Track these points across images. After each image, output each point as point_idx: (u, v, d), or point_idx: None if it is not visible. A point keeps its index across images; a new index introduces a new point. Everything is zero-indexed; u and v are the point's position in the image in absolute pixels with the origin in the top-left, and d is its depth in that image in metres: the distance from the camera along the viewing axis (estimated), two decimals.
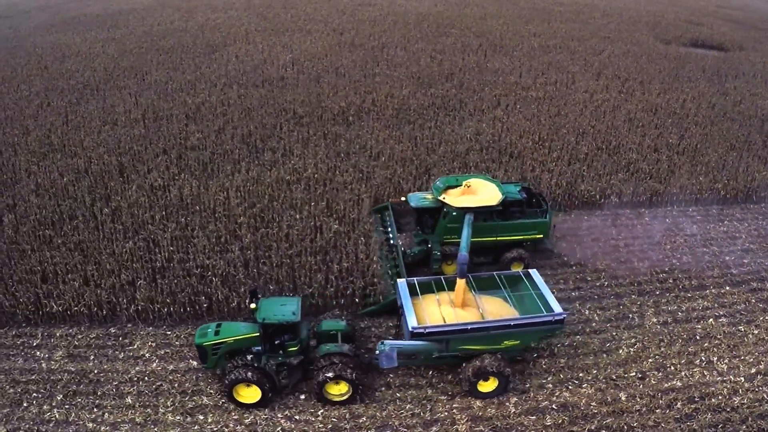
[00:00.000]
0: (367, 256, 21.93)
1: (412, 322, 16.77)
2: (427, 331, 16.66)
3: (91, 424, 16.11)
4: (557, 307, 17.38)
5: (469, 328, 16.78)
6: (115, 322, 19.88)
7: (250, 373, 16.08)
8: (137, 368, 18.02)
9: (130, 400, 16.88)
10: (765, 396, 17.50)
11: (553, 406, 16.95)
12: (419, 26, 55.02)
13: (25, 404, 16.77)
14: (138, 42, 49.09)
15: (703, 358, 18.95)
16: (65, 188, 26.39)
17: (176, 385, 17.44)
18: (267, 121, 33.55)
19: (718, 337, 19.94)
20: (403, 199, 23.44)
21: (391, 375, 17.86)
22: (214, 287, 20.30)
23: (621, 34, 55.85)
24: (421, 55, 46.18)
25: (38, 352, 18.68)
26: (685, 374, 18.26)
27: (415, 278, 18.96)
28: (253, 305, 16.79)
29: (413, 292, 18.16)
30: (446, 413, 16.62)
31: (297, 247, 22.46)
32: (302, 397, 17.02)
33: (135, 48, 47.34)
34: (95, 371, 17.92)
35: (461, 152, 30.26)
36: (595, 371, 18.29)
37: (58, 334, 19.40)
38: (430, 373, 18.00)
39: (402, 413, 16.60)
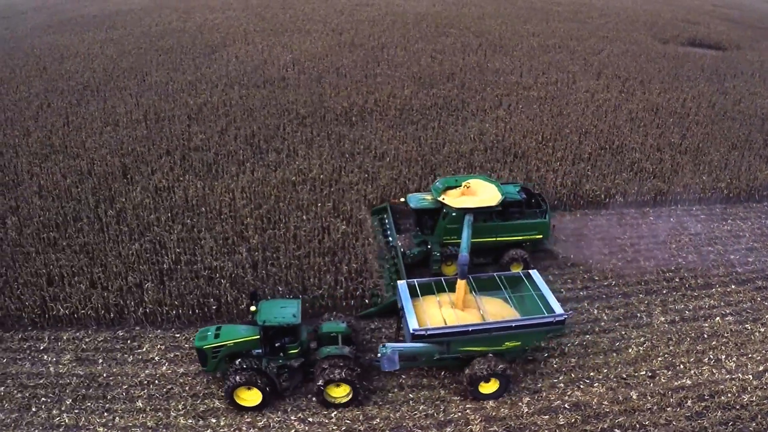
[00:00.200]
0: (375, 257, 21.87)
1: (413, 324, 16.68)
2: (428, 333, 16.56)
3: (101, 429, 16.00)
4: (558, 308, 17.36)
5: (470, 329, 16.71)
6: (123, 325, 19.75)
7: (250, 376, 15.99)
8: (147, 371, 17.90)
9: (140, 404, 16.77)
10: None
11: (566, 406, 16.99)
12: (418, 26, 55.00)
13: (33, 409, 16.63)
14: (137, 43, 48.81)
15: (712, 357, 19.04)
16: (68, 190, 26.22)
17: (187, 388, 17.34)
18: (270, 121, 33.45)
19: (726, 335, 20.05)
20: (402, 200, 23.37)
21: (403, 376, 17.83)
22: (223, 289, 20.22)
23: (619, 33, 56.02)
24: (421, 55, 46.15)
25: (46, 356, 18.51)
26: (694, 372, 18.34)
27: (415, 279, 18.86)
28: (253, 307, 16.72)
29: (413, 294, 18.04)
30: (460, 414, 16.62)
31: (305, 248, 22.41)
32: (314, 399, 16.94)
33: (134, 49, 47.05)
34: (104, 375, 17.78)
35: (465, 152, 30.27)
36: (605, 370, 18.35)
37: (65, 338, 19.24)
38: (443, 373, 17.97)
39: (416, 414, 16.58)
